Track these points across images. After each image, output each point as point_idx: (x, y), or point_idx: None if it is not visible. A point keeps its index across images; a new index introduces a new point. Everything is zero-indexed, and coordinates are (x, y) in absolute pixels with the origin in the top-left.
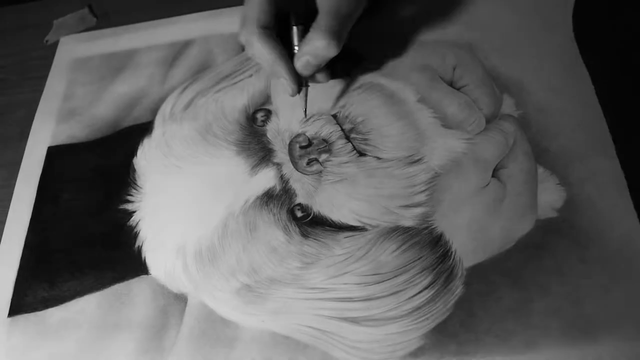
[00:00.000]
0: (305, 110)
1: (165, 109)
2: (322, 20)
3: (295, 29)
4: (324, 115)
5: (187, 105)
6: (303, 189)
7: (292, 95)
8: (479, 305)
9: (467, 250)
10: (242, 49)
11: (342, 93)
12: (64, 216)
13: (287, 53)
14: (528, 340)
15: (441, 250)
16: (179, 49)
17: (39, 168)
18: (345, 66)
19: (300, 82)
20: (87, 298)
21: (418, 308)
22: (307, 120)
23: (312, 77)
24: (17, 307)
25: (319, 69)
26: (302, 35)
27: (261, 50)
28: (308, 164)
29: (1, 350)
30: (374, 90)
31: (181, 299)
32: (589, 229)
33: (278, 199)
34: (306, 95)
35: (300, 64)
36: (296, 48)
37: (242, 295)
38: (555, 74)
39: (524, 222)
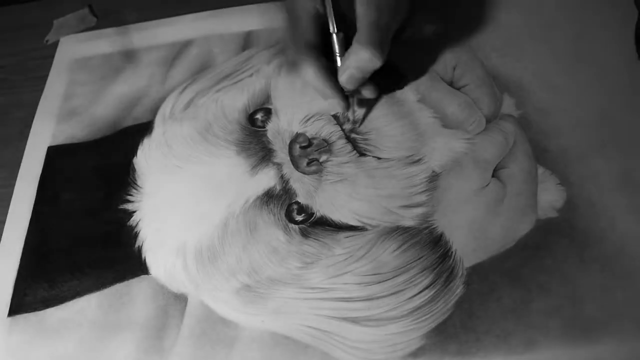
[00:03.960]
0: (363, 120)
1: (165, 108)
2: (363, 32)
3: (335, 36)
4: (324, 115)
5: (187, 105)
6: (303, 189)
7: (345, 112)
8: (479, 305)
9: (468, 250)
10: (242, 48)
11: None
12: (64, 216)
13: (333, 71)
14: (528, 340)
15: (441, 250)
16: (179, 49)
17: (39, 168)
18: (388, 84)
19: (348, 98)
20: (87, 298)
21: (418, 308)
22: (308, 120)
23: (357, 92)
24: (17, 306)
25: (363, 83)
26: (343, 42)
27: (310, 73)
28: (308, 164)
29: (1, 349)
30: None
31: (181, 299)
32: (589, 229)
33: (278, 198)
34: (354, 105)
35: (344, 77)
36: (338, 57)
37: (242, 295)
38: (555, 74)
39: (524, 222)
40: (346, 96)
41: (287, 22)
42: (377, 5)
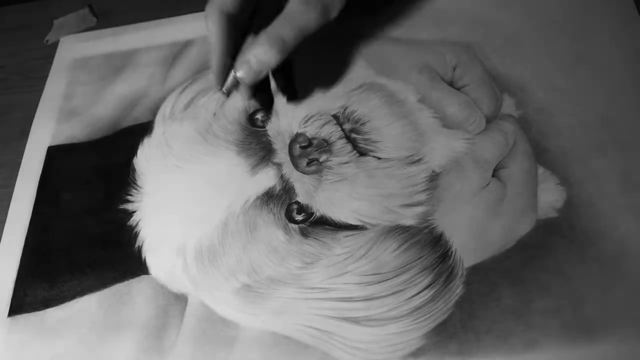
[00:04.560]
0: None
1: (165, 108)
2: (275, 23)
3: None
4: (324, 115)
5: (187, 105)
6: (303, 189)
7: (216, 87)
8: (479, 305)
9: (468, 250)
10: None
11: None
12: (64, 216)
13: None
14: (528, 340)
15: (441, 250)
16: (179, 49)
17: (39, 168)
18: (264, 98)
19: (224, 80)
20: (87, 298)
21: (418, 308)
22: (307, 120)
23: (236, 88)
24: (17, 306)
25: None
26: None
27: (211, 31)
28: (308, 164)
29: (1, 349)
30: (374, 90)
31: (181, 299)
32: (589, 229)
33: (278, 198)
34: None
35: (239, 65)
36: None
37: (242, 295)
38: (555, 74)
39: (524, 222)
40: (224, 79)
41: None
42: (304, 1)
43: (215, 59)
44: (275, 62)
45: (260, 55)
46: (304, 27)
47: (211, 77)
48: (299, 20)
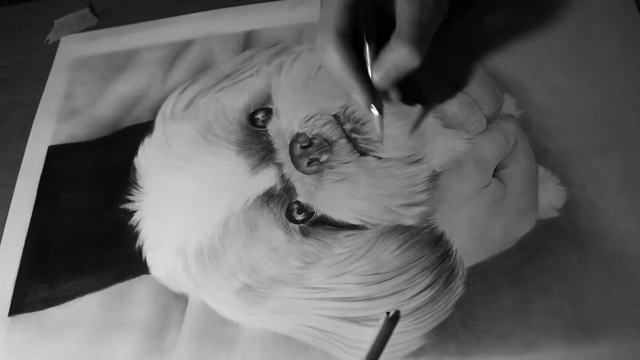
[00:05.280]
0: (382, 137)
1: (165, 108)
2: (404, 28)
3: (367, 45)
4: (325, 115)
5: (188, 105)
6: (304, 189)
7: (367, 108)
8: (479, 305)
9: (468, 250)
10: (243, 48)
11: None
12: (64, 216)
13: (360, 66)
14: (528, 341)
15: (442, 250)
16: (180, 49)
17: (39, 168)
18: (412, 95)
19: (375, 97)
20: (87, 298)
21: (418, 308)
22: (308, 120)
23: (385, 95)
24: (18, 306)
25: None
26: (375, 54)
27: (335, 59)
28: (309, 164)
29: (1, 349)
30: None
31: (182, 299)
32: (589, 229)
33: (279, 198)
34: (382, 123)
35: (378, 75)
36: (369, 66)
37: (242, 295)
38: (555, 74)
39: (525, 222)
40: (373, 91)
41: (322, 5)
42: (419, 1)
43: (354, 81)
44: (418, 63)
45: (402, 59)
46: (431, 25)
47: (358, 99)
48: (425, 19)
